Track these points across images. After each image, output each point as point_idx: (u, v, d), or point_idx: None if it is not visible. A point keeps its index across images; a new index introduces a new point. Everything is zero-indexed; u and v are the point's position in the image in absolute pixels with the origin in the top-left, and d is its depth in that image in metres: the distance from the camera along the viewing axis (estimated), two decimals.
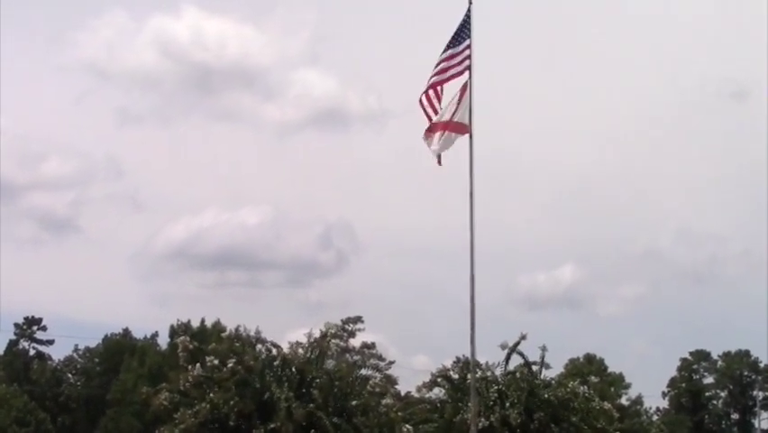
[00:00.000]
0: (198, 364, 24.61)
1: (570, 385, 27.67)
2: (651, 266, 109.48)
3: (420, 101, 20.78)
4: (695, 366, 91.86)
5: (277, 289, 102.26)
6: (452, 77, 20.73)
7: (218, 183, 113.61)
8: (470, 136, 20.80)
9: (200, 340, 30.88)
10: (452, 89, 20.84)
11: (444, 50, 20.89)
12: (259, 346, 25.87)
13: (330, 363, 26.83)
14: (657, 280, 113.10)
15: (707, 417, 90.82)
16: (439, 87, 20.86)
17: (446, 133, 20.66)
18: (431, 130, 20.65)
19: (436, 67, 20.85)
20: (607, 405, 28.28)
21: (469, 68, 20.83)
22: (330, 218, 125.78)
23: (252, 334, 26.29)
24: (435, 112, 20.73)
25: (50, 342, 78.64)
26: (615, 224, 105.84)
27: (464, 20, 21.00)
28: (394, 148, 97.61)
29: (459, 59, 20.77)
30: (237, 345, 26.13)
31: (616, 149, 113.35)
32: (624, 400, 72.19)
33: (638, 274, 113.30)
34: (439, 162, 20.70)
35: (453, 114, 20.65)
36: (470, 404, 23.49)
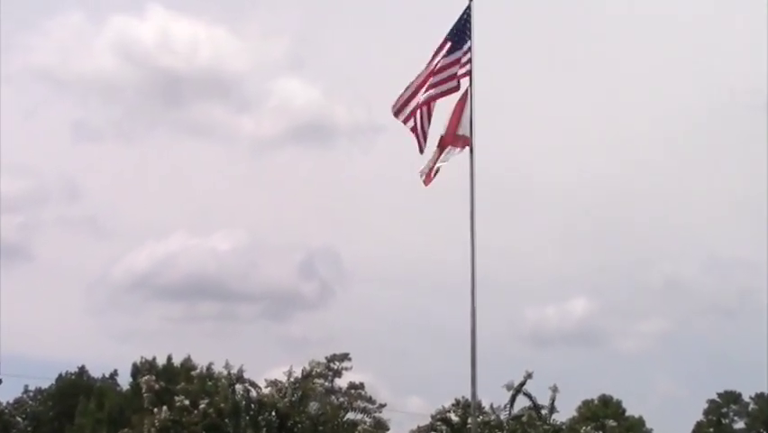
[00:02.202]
0: (165, 407, 24.60)
1: (583, 430, 27.74)
2: (674, 298, 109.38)
3: (413, 116, 20.77)
4: (724, 409, 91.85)
5: (253, 322, 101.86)
6: (451, 91, 20.74)
7: (187, 205, 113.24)
8: (471, 150, 20.79)
9: (167, 379, 30.92)
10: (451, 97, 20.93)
11: (436, 53, 20.91)
12: (238, 386, 25.87)
13: (313, 406, 26.84)
14: (681, 313, 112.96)
15: None
16: (433, 103, 20.95)
17: (447, 147, 20.72)
18: (441, 143, 20.66)
19: (434, 75, 20.85)
20: None
21: (469, 73, 20.85)
22: (313, 244, 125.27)
23: (233, 372, 26.26)
24: (423, 129, 20.78)
25: None
26: (633, 250, 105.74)
27: (463, 19, 21.02)
28: (385, 166, 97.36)
29: (457, 66, 20.80)
30: (210, 384, 26.14)
31: (635, 166, 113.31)
32: None
33: (660, 307, 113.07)
34: (426, 182, 20.74)
35: (451, 127, 20.71)
36: None
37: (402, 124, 20.82)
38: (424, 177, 20.67)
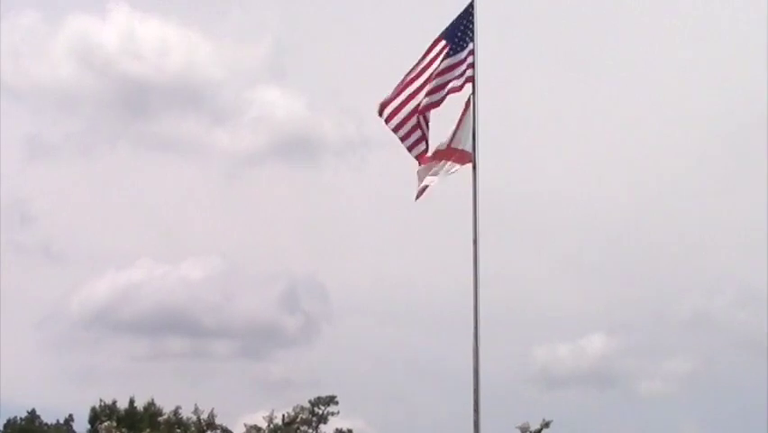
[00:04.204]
0: None
1: None
2: (702, 334, 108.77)
3: (406, 123, 20.79)
4: None
5: (227, 361, 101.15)
6: (453, 90, 20.75)
7: (153, 228, 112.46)
8: (474, 167, 20.78)
9: (129, 425, 30.80)
10: (451, 107, 20.93)
11: (427, 52, 20.90)
12: None
13: None
14: (710, 351, 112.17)
15: None
16: (428, 112, 20.96)
17: (446, 162, 20.69)
18: (433, 156, 20.67)
19: (432, 80, 20.83)
20: None
21: (472, 80, 20.86)
22: (296, 274, 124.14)
23: (203, 417, 26.18)
24: (424, 140, 20.83)
25: None
26: (656, 281, 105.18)
27: (464, 19, 21.00)
28: (377, 186, 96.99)
29: (459, 70, 20.79)
30: (178, 431, 26.03)
31: (658, 188, 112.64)
32: None
33: (687, 345, 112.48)
34: (417, 195, 20.74)
35: (452, 138, 20.71)
36: None
37: (391, 131, 20.86)
38: (418, 191, 20.70)
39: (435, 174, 20.74)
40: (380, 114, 20.96)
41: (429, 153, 20.92)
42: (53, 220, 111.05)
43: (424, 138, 20.94)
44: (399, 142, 20.98)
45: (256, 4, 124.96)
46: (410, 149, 20.95)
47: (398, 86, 20.99)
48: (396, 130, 20.90)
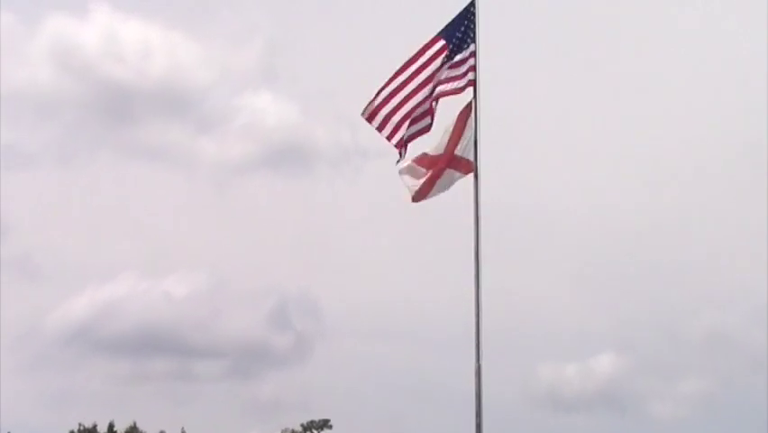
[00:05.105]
0: None
1: None
2: (718, 354, 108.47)
3: (399, 130, 20.78)
4: None
5: (215, 382, 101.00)
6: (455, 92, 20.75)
7: (136, 241, 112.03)
8: (476, 177, 20.74)
9: None
10: (447, 111, 20.89)
11: (422, 52, 20.88)
12: None
13: None
14: (727, 371, 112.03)
15: None
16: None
17: (446, 170, 20.64)
18: (421, 162, 20.66)
19: (430, 83, 20.79)
20: None
21: (473, 83, 20.84)
22: (287, 290, 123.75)
23: None
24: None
25: None
26: (669, 297, 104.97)
27: (465, 18, 20.97)
28: (373, 198, 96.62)
29: (459, 71, 20.76)
30: None
31: (671, 199, 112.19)
32: None
33: (701, 364, 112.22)
34: (413, 199, 20.72)
35: (448, 144, 20.65)
36: None
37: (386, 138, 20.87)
38: (413, 193, 20.67)
39: (445, 188, 20.70)
40: (371, 120, 20.91)
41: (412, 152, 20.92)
42: (29, 233, 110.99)
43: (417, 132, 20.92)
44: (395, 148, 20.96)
45: (246, 4, 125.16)
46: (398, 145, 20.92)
47: (392, 90, 20.92)
48: (389, 137, 20.86)
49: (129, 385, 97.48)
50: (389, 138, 20.89)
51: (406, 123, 20.75)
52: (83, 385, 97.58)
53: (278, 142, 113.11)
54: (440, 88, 20.75)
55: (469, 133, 20.69)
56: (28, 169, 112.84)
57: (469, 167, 20.65)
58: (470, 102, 20.83)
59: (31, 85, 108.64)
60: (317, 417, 69.33)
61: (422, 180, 20.73)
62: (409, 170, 20.85)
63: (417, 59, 20.95)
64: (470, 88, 20.88)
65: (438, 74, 20.80)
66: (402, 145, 20.87)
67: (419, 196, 20.82)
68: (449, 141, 20.72)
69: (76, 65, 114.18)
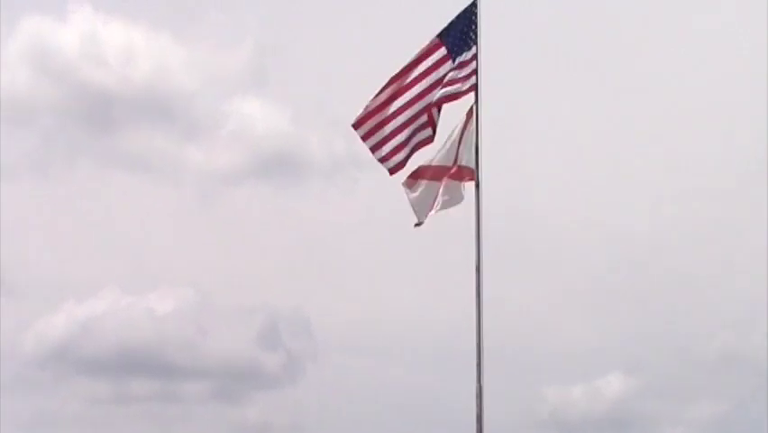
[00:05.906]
0: None
1: None
2: (733, 374, 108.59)
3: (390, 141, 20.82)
4: None
5: (201, 404, 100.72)
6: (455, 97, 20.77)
7: (118, 256, 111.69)
8: (477, 186, 20.74)
9: None
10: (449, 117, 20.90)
11: (422, 57, 20.88)
12: None
13: None
14: (741, 394, 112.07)
15: None
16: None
17: (448, 181, 20.63)
18: (418, 175, 20.69)
19: (430, 91, 20.82)
20: None
21: (475, 87, 20.83)
22: (277, 307, 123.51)
23: None
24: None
25: None
26: (681, 315, 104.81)
27: (466, 19, 20.98)
28: (367, 211, 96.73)
29: (460, 74, 20.75)
30: None
31: (683, 212, 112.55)
32: None
33: (716, 386, 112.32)
34: (418, 222, 20.76)
35: (445, 153, 20.67)
36: None
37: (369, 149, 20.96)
38: (432, 211, 20.69)
39: (452, 198, 20.72)
40: (357, 127, 20.95)
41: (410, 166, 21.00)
42: (3, 246, 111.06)
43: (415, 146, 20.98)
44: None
45: (234, 5, 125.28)
46: (390, 164, 20.97)
47: (386, 98, 20.94)
48: (375, 149, 20.93)
49: (110, 407, 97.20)
50: (373, 150, 20.92)
51: (398, 136, 20.80)
52: (61, 407, 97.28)
53: (269, 151, 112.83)
54: (441, 92, 20.74)
55: (471, 138, 20.69)
56: (2, 179, 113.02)
57: (470, 175, 20.65)
58: (472, 107, 20.85)
59: (5, 90, 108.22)
60: None
61: (426, 195, 20.76)
62: (414, 187, 20.89)
63: (417, 65, 20.97)
64: (472, 93, 20.89)
65: (438, 84, 20.85)
66: (387, 160, 20.94)
67: (423, 215, 20.88)
68: (454, 150, 20.78)
69: (54, 68, 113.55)
